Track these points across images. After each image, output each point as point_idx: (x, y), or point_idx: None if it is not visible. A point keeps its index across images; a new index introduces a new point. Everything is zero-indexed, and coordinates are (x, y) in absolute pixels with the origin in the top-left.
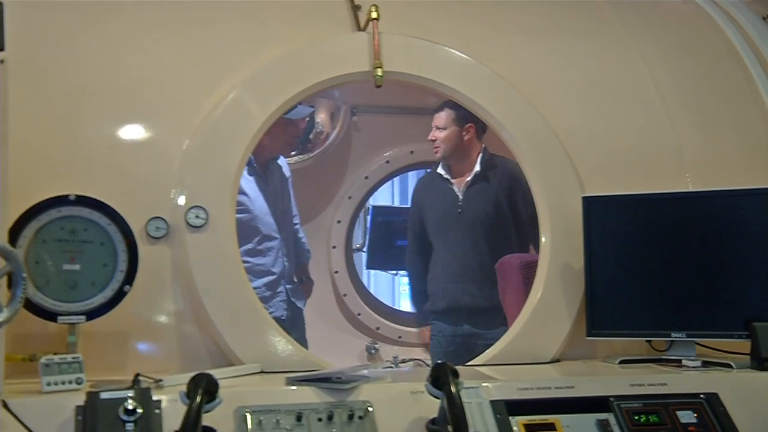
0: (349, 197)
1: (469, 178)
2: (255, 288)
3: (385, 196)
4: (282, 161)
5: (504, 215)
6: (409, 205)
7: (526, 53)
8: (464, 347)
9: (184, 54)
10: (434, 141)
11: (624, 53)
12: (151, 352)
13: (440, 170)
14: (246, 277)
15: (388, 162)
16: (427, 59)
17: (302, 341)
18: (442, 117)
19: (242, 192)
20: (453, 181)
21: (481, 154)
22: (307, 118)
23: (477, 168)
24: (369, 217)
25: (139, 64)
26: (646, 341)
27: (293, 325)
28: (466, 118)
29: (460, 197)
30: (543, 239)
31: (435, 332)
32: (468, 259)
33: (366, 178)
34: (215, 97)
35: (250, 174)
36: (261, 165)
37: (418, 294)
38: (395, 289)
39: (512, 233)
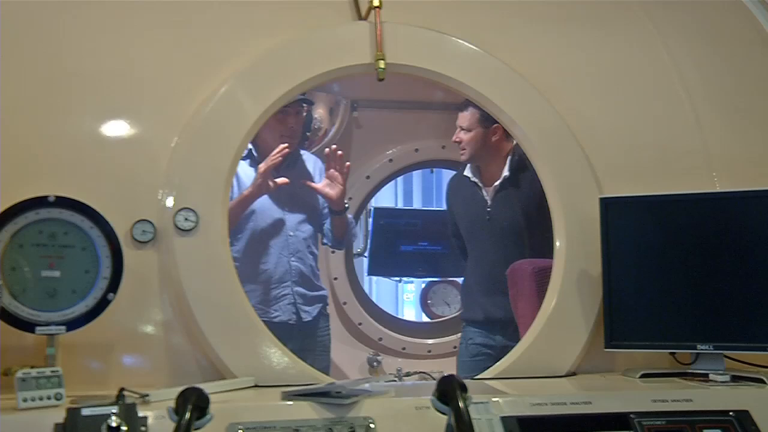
0: (350, 198)
1: (498, 182)
2: (253, 291)
3: (387, 198)
4: (308, 156)
5: (536, 222)
6: (413, 207)
7: (539, 44)
8: (494, 358)
9: (173, 44)
10: (459, 142)
11: (646, 43)
12: (136, 365)
13: (467, 172)
14: (239, 284)
15: (391, 161)
16: (433, 50)
17: (320, 359)
18: (467, 117)
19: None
20: (481, 184)
21: (510, 155)
22: (301, 104)
23: (506, 172)
24: (370, 220)
25: (123, 54)
26: (670, 353)
27: (304, 336)
28: (491, 118)
29: (489, 202)
30: (557, 243)
31: (465, 339)
32: (499, 270)
33: (367, 177)
34: (206, 90)
35: (252, 166)
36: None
37: None
38: (399, 297)
39: (546, 241)
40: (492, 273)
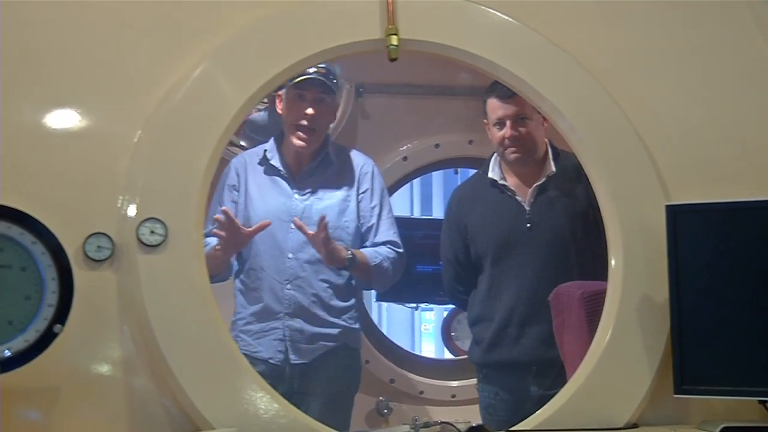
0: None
1: (540, 182)
2: (241, 319)
3: (402, 204)
4: (357, 156)
5: (591, 231)
6: (432, 216)
7: (590, 14)
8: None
9: (136, 15)
10: (516, 139)
11: (728, 13)
12: (89, 414)
13: (492, 174)
14: (218, 313)
15: (405, 158)
16: (456, 22)
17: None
18: (525, 102)
19: (237, 189)
20: (513, 187)
21: (550, 149)
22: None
23: (552, 169)
24: None
25: (74, 29)
26: (759, 402)
27: (300, 379)
28: None
29: (528, 209)
30: (613, 262)
31: (490, 395)
32: (541, 294)
33: None
34: (177, 72)
35: (270, 174)
36: (294, 163)
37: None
38: (415, 328)
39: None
40: (532, 299)
